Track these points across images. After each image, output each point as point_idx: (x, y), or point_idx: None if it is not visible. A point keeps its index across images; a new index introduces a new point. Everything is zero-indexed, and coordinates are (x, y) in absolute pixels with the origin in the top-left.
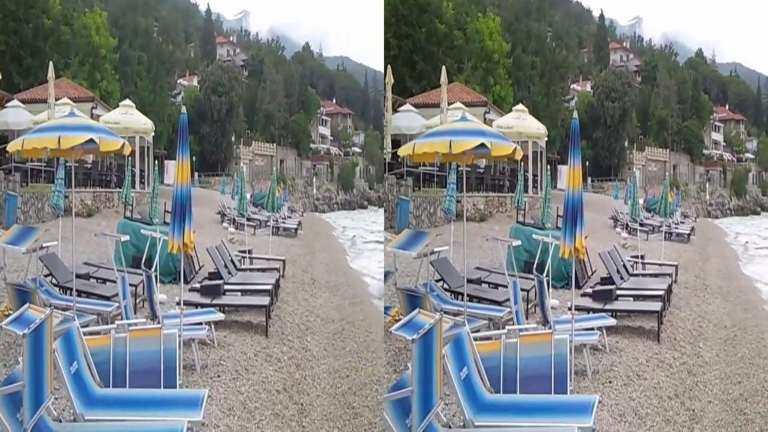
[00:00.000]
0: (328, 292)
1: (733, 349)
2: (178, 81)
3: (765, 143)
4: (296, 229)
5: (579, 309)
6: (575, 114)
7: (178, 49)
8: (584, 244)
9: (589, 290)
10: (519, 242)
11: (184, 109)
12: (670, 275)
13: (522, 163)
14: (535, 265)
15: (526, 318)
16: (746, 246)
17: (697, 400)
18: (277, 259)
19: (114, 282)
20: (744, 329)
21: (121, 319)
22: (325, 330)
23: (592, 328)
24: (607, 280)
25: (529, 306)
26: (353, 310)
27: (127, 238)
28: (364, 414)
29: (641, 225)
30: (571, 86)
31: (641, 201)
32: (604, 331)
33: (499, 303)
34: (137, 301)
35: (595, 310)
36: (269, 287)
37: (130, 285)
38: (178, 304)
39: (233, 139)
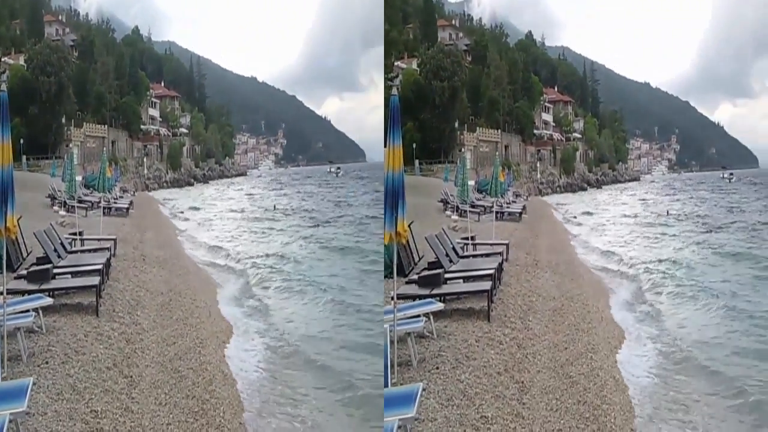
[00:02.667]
0: (158, 266)
1: (560, 318)
2: (3, 59)
3: (590, 123)
4: (128, 209)
5: (404, 297)
6: (395, 90)
7: (2, 25)
8: (406, 229)
9: (416, 276)
10: None
11: (4, 87)
12: (501, 254)
13: None
14: None
15: None
16: (571, 218)
17: (527, 371)
18: (108, 238)
19: None
20: (570, 298)
21: None
22: (154, 303)
23: (418, 315)
24: (435, 264)
25: None
26: (180, 281)
27: None
28: (189, 376)
29: (472, 206)
30: (396, 63)
31: (472, 182)
32: (431, 317)
33: None
34: None
35: (421, 297)
36: (99, 267)
37: None
38: (1, 293)
39: (64, 120)
